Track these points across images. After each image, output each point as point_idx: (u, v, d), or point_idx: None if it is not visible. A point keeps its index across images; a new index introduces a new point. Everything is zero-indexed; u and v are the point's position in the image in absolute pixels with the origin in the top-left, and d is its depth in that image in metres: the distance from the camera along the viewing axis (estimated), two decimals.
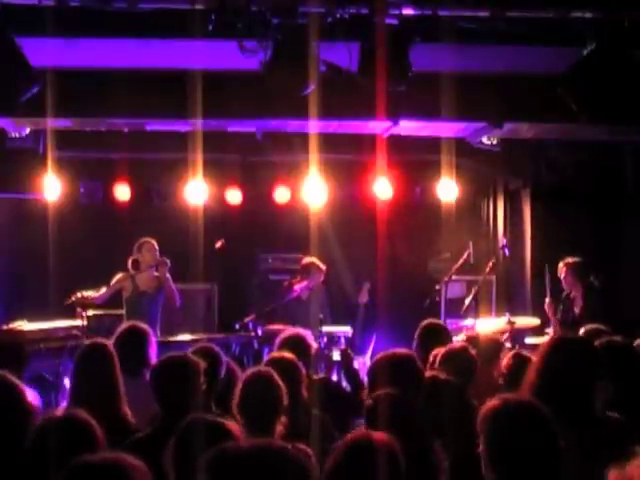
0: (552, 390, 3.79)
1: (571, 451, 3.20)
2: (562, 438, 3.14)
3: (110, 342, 5.43)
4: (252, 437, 3.70)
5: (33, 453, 3.21)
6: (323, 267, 9.39)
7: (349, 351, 6.74)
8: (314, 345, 6.08)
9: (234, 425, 3.38)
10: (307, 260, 9.45)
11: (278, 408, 4.37)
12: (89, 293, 8.28)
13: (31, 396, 3.84)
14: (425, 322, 6.39)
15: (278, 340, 5.95)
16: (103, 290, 8.46)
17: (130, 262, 8.72)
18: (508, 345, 7.68)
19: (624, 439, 3.67)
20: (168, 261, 8.63)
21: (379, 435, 3.09)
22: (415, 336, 6.26)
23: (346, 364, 6.39)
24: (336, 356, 8.40)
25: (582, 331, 5.87)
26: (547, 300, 8.69)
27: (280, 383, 4.44)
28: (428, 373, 4.96)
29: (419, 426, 3.92)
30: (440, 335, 6.34)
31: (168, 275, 8.67)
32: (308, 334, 6.16)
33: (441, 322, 6.64)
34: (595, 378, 3.99)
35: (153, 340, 5.83)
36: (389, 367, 4.70)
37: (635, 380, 4.39)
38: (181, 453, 3.16)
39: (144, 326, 5.88)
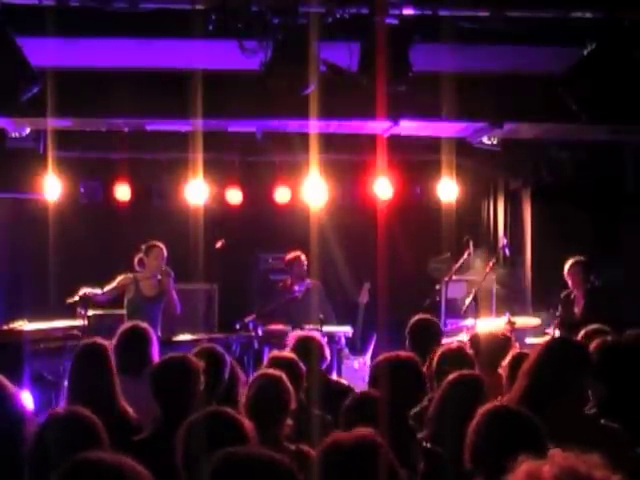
0: (541, 392, 3.80)
1: None
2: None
3: (107, 342, 5.43)
4: (260, 438, 3.70)
5: (36, 450, 3.21)
6: (304, 260, 9.37)
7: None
8: (327, 350, 6.04)
9: (249, 423, 3.38)
10: (289, 256, 9.46)
11: (287, 410, 4.37)
12: (93, 291, 8.25)
13: (25, 400, 3.83)
14: (415, 318, 6.38)
15: (291, 343, 5.94)
16: (107, 288, 8.44)
17: (137, 261, 8.70)
18: None
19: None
20: (172, 272, 8.59)
21: (364, 432, 3.01)
22: (406, 333, 6.27)
23: None
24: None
25: (582, 332, 5.86)
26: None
27: (289, 386, 4.44)
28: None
29: (400, 425, 3.93)
30: (431, 330, 6.34)
31: (171, 286, 8.61)
32: (320, 337, 6.16)
33: (431, 317, 6.61)
34: (584, 379, 4.01)
35: (155, 340, 5.83)
36: (391, 369, 4.71)
37: (626, 380, 4.39)
38: (193, 442, 3.16)
39: (146, 326, 5.87)
